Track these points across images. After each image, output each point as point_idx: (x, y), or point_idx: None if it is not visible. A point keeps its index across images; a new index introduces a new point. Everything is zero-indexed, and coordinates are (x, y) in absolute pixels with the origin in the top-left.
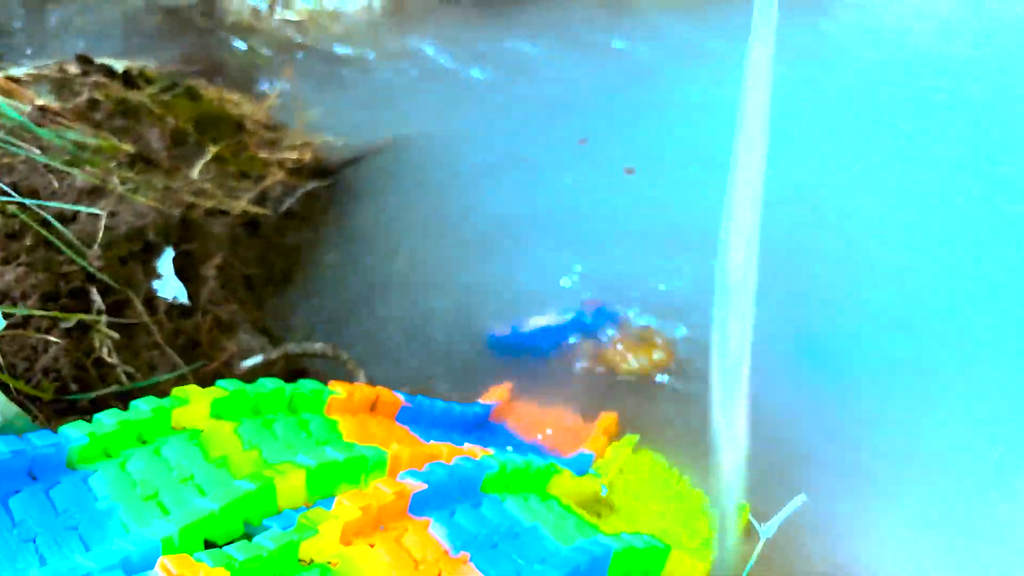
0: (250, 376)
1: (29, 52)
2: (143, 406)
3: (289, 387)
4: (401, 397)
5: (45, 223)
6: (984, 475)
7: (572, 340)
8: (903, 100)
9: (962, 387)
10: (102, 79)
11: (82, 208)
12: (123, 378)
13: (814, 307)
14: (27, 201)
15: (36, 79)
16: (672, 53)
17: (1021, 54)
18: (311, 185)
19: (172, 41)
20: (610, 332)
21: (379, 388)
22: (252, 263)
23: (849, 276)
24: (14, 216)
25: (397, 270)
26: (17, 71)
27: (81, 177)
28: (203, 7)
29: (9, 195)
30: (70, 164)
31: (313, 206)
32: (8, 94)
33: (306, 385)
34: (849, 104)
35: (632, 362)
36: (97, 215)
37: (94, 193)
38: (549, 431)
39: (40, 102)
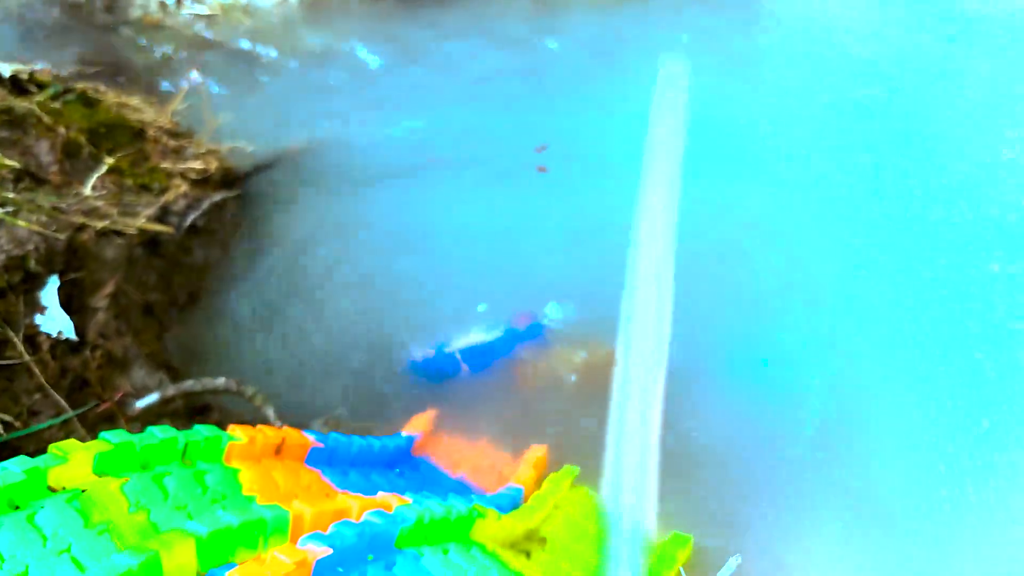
0: (145, 417)
1: None
2: (14, 468)
3: (183, 435)
4: (311, 437)
5: None
6: (920, 502)
7: (501, 358)
8: (835, 110)
9: (890, 405)
10: None
11: None
12: None
13: (745, 322)
14: None
15: None
16: (600, 52)
17: (946, 68)
18: (218, 196)
19: (70, 38)
20: (542, 346)
21: (286, 429)
22: (151, 288)
23: (784, 291)
24: None
25: (310, 287)
26: None
27: None
28: (105, 0)
29: None
30: None
31: (221, 219)
32: None
33: (201, 432)
34: (781, 117)
35: (571, 377)
36: None
37: None
38: (476, 465)
39: None
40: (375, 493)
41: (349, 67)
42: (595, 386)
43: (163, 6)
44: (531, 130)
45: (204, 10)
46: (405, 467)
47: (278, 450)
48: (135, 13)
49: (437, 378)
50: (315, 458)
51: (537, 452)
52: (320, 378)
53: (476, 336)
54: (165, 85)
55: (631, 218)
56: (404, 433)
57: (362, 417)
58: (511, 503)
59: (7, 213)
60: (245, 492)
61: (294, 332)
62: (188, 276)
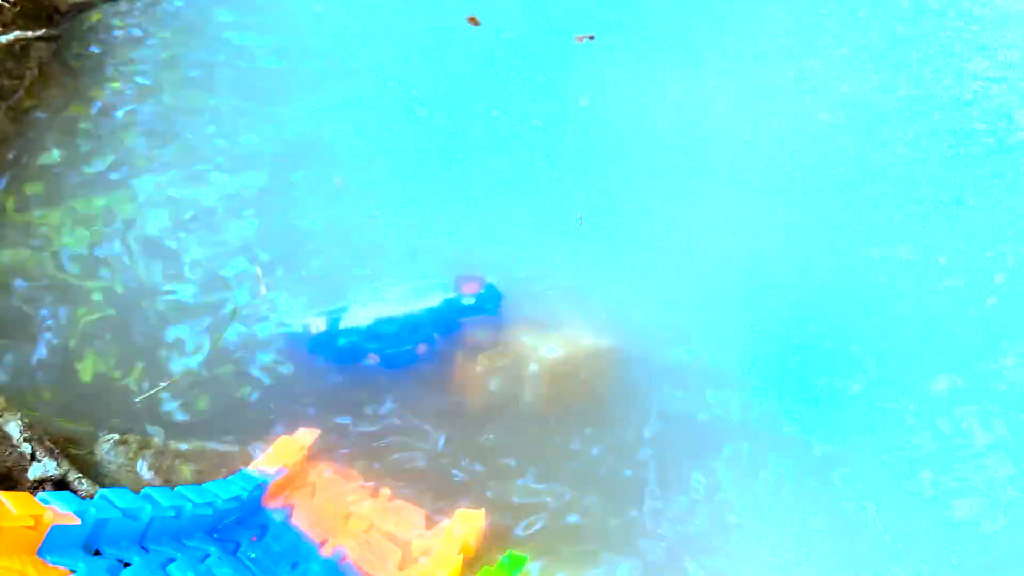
0: None
1: None
2: None
3: None
4: (56, 505)
5: None
6: None
7: (438, 337)
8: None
9: None
10: None
11: None
12: None
13: None
14: None
15: None
16: None
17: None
18: (16, 35)
19: None
20: (495, 328)
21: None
22: None
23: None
24: None
25: (126, 187)
26: None
27: None
28: None
29: None
30: None
31: (15, 70)
32: None
33: None
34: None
35: (535, 384)
36: None
37: None
38: (367, 533)
39: None
40: None
41: None
42: (574, 398)
43: None
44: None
45: None
46: (244, 535)
47: None
48: None
49: (336, 356)
50: (60, 543)
51: (468, 520)
52: (121, 357)
53: (395, 305)
54: None
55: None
56: (254, 470)
57: (186, 432)
58: None
59: None
60: None
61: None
62: None
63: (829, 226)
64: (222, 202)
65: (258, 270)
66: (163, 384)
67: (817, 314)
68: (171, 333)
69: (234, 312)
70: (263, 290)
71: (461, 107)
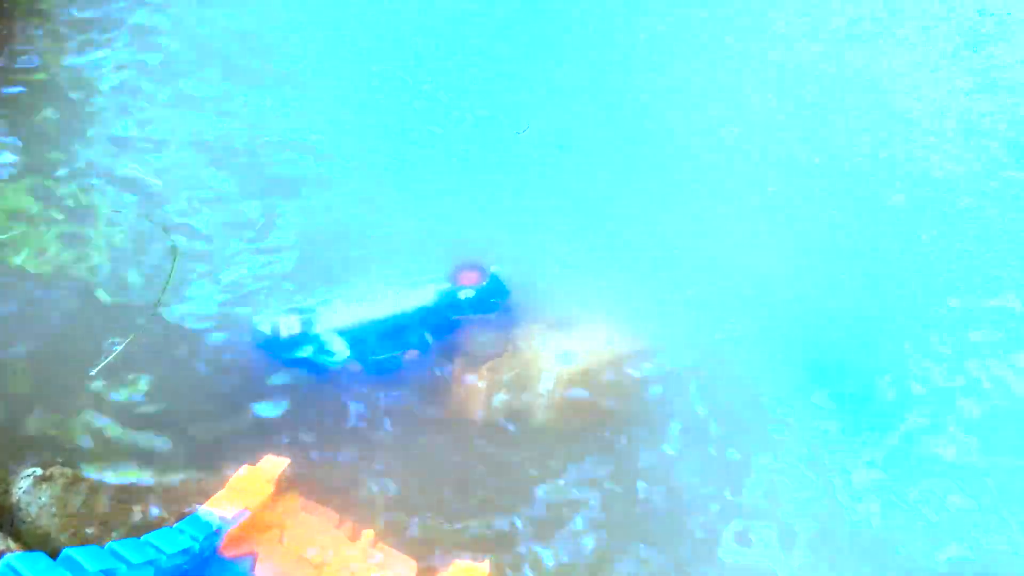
0: None
1: None
2: None
3: None
4: None
5: None
6: None
7: (431, 339)
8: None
9: None
10: None
11: None
12: None
13: None
14: None
15: None
16: None
17: None
18: None
19: None
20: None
21: None
22: None
23: None
24: None
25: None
26: None
27: None
28: None
29: None
30: None
31: None
32: None
33: None
34: None
35: (546, 379)
36: None
37: None
38: None
39: None
40: None
41: None
42: (592, 416)
43: None
44: None
45: None
46: None
47: None
48: None
49: (309, 365)
50: None
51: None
52: (53, 359)
53: (382, 302)
54: None
55: None
56: (209, 513)
57: (126, 459)
58: None
59: None
60: None
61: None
62: None
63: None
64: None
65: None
66: (120, 344)
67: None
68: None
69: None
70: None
71: (465, 92)
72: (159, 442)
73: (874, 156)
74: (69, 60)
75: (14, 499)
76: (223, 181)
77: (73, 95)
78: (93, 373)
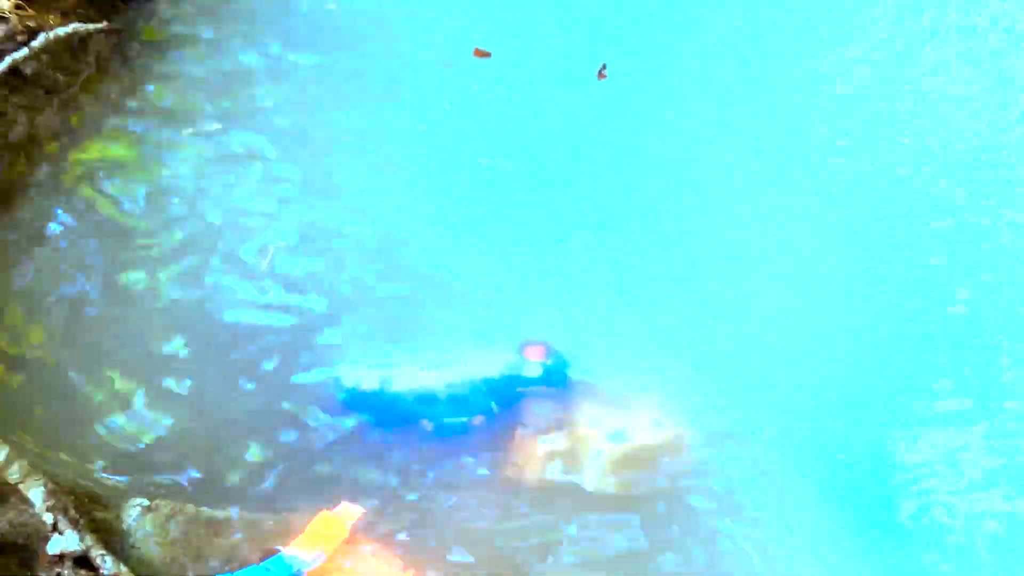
0: None
1: None
2: None
3: None
4: None
5: None
6: None
7: (496, 408)
8: None
9: None
10: None
11: None
12: None
13: None
14: None
15: None
16: None
17: None
18: (70, 27)
19: None
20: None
21: None
22: None
23: None
24: None
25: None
26: None
27: None
28: None
29: None
30: None
31: (72, 67)
32: None
33: None
34: None
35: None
36: None
37: None
38: None
39: None
40: None
41: None
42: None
43: None
44: None
45: None
46: None
47: None
48: None
49: (386, 421)
50: None
51: None
52: (161, 411)
53: (454, 368)
54: None
55: None
56: (290, 555)
57: (220, 496)
58: None
59: None
60: None
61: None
62: None
63: None
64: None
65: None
66: None
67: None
68: None
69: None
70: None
71: (531, 157)
72: (248, 480)
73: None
74: None
75: (124, 525)
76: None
77: None
78: None
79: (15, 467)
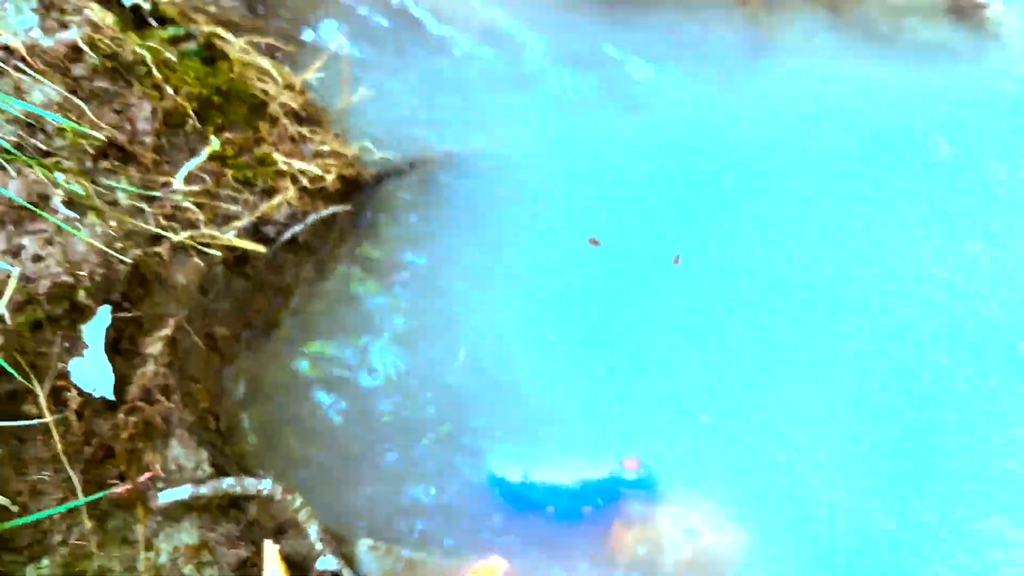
0: (169, 513)
1: None
2: None
3: None
4: None
5: None
6: None
7: (601, 502)
8: None
9: None
10: (98, 10)
11: None
12: None
13: None
14: None
15: None
16: None
17: None
18: (329, 210)
19: None
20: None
21: None
22: (221, 318)
23: None
24: None
25: (406, 341)
26: None
27: (14, 183)
28: None
29: None
30: (7, 156)
31: (325, 235)
32: None
33: None
34: None
35: (675, 543)
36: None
37: (22, 215)
38: None
39: (4, 38)
40: None
41: (510, 58)
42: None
43: None
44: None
45: None
46: None
47: None
48: None
49: (521, 504)
50: None
51: None
52: (371, 473)
53: (573, 470)
54: (308, 34)
55: None
56: None
57: (422, 538)
58: None
59: (70, 220)
60: None
61: (364, 403)
62: (270, 299)
63: None
64: None
65: None
66: None
67: None
68: None
69: None
70: None
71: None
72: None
73: None
74: None
75: (356, 559)
76: None
77: None
78: None
79: (303, 511)
